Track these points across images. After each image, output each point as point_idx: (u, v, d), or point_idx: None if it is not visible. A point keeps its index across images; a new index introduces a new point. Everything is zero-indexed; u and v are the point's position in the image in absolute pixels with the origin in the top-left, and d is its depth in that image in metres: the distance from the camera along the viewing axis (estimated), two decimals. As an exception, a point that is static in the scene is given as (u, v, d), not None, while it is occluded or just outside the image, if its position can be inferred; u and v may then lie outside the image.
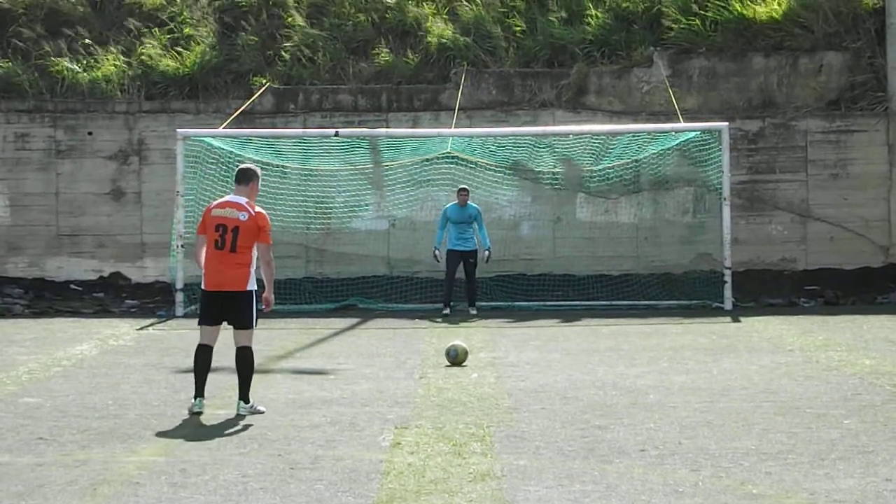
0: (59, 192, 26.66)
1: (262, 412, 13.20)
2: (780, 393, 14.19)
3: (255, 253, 13.31)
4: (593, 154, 25.89)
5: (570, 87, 26.62)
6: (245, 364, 13.30)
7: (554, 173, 26.40)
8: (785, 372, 15.88)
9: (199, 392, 13.24)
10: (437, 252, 23.89)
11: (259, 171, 13.82)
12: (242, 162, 24.96)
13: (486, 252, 23.89)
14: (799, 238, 26.38)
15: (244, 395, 13.26)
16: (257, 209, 13.35)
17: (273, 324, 22.21)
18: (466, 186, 24.27)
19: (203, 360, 13.31)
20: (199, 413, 13.10)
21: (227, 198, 13.56)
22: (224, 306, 13.28)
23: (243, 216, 13.22)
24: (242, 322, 13.32)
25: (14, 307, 24.98)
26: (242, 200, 13.37)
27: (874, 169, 26.27)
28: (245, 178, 13.53)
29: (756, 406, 13.31)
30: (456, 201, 23.91)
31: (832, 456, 10.72)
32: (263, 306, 13.35)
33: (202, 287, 13.42)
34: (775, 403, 13.46)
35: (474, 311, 23.83)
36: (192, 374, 13.34)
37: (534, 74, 26.83)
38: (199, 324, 13.56)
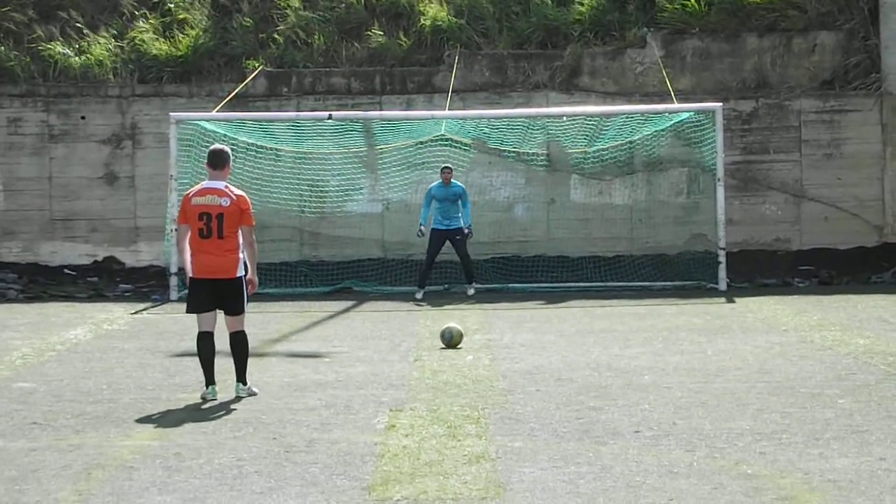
0: (52, 177, 26.62)
1: (256, 394, 13.22)
2: (775, 373, 14.21)
3: (240, 237, 13.24)
4: (587, 136, 25.87)
5: (564, 69, 26.58)
6: (240, 347, 13.33)
7: (548, 155, 26.38)
8: (779, 352, 15.90)
9: (210, 380, 13.21)
10: (421, 228, 23.89)
11: (230, 151, 13.71)
12: (236, 145, 25.09)
13: (466, 230, 23.86)
14: (793, 218, 26.38)
15: (241, 378, 13.30)
16: (237, 192, 13.28)
17: (268, 307, 22.21)
18: (450, 166, 24.24)
19: (207, 348, 13.26)
20: (213, 400, 13.05)
21: (204, 184, 13.37)
22: (215, 293, 13.21)
23: (225, 202, 13.10)
24: (235, 309, 13.34)
25: (8, 292, 24.94)
26: (221, 185, 13.27)
27: (868, 148, 26.25)
28: (220, 161, 13.42)
29: (750, 386, 13.32)
30: (440, 180, 23.95)
31: (826, 435, 10.73)
32: (248, 289, 13.35)
33: (190, 275, 13.26)
34: (770, 383, 13.47)
35: (472, 291, 23.84)
36: (200, 364, 13.30)
37: (527, 56, 26.79)
38: (192, 312, 13.46)
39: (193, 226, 13.10)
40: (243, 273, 13.29)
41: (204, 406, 12.71)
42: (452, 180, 23.90)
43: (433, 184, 24.11)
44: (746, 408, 12.08)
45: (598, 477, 9.43)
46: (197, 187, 13.47)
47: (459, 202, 23.88)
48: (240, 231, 13.19)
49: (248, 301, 13.46)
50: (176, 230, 13.66)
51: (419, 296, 23.66)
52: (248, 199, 13.36)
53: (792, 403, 12.26)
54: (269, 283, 24.62)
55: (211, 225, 13.03)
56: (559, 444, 10.63)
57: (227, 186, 13.28)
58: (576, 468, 9.74)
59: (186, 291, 13.71)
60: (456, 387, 13.61)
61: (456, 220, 23.83)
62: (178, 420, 11.97)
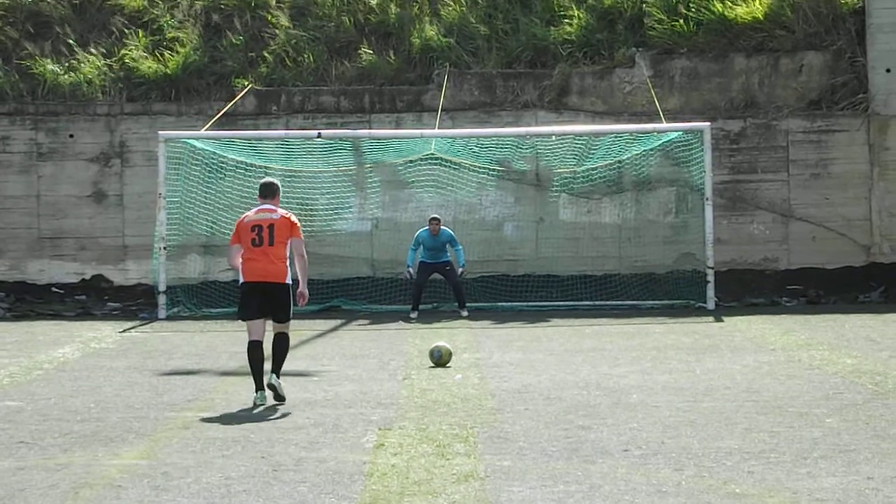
0: (40, 195, 26.60)
1: (284, 400, 13.94)
2: (763, 392, 14.22)
3: (289, 249, 14.13)
4: (576, 155, 25.91)
5: (553, 88, 26.64)
6: (282, 346, 14.17)
7: (537, 174, 26.41)
8: (767, 371, 15.91)
9: (260, 386, 13.93)
10: (409, 270, 24.01)
11: (279, 183, 14.75)
12: (225, 164, 25.14)
13: (461, 269, 24.02)
14: (781, 237, 26.43)
15: (277, 371, 13.98)
16: (288, 213, 14.37)
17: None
18: (438, 216, 24.27)
19: (257, 356, 14.00)
20: (263, 405, 13.66)
21: (255, 209, 14.38)
22: (265, 298, 14.06)
23: (275, 216, 14.16)
24: (283, 316, 14.22)
25: (-4, 310, 24.96)
26: (271, 206, 14.31)
27: (855, 168, 26.32)
28: (270, 191, 14.44)
29: (739, 405, 13.33)
30: (428, 227, 24.02)
31: (814, 455, 10.74)
32: (299, 301, 14.20)
33: (242, 280, 14.13)
34: (758, 403, 13.48)
35: (465, 314, 23.88)
36: (250, 371, 14.01)
37: (516, 75, 26.85)
38: (243, 319, 14.27)
39: (246, 238, 14.07)
40: (290, 282, 14.14)
41: (192, 425, 12.68)
42: (442, 227, 24.00)
43: (422, 230, 24.17)
44: (735, 427, 12.08)
45: (586, 496, 9.43)
46: (249, 212, 14.47)
47: (448, 246, 24.02)
48: (290, 243, 14.15)
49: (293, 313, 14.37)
50: (228, 249, 14.68)
51: (413, 315, 23.75)
52: (299, 225, 14.42)
53: (780, 422, 12.26)
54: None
55: (262, 234, 14.04)
56: (548, 462, 10.63)
57: (276, 207, 14.35)
58: (564, 487, 9.73)
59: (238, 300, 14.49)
60: (445, 405, 13.61)
61: (444, 256, 24.01)
62: (166, 439, 11.95)
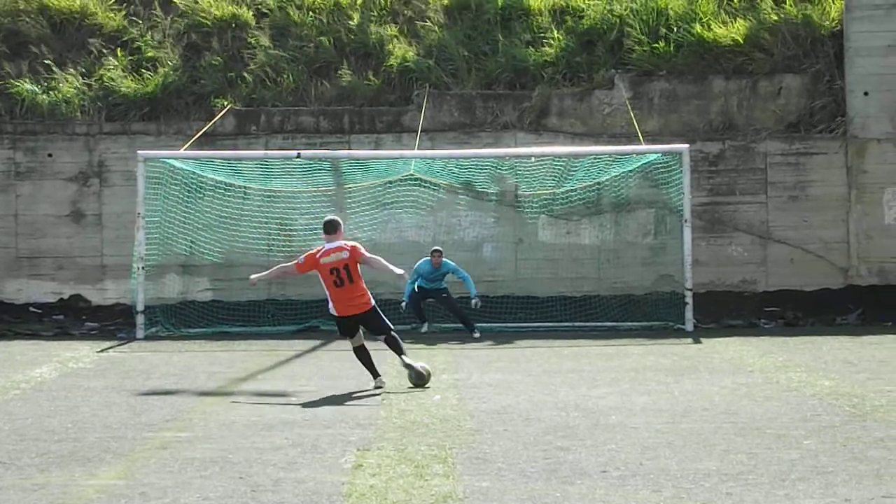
0: (18, 214, 26.53)
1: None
2: (741, 414, 14.23)
3: (363, 278, 16.83)
4: (555, 176, 25.95)
5: (532, 110, 26.70)
6: (395, 342, 16.99)
7: (516, 195, 26.45)
8: (745, 393, 15.93)
9: (376, 373, 16.87)
10: (404, 304, 24.02)
11: (340, 220, 17.34)
12: (204, 183, 25.14)
13: (475, 300, 24.10)
14: (759, 259, 26.49)
15: (402, 352, 16.96)
16: (351, 243, 16.94)
17: (235, 346, 22.19)
18: (440, 248, 24.38)
19: (365, 355, 16.94)
20: (382, 386, 16.59)
21: (325, 247, 16.78)
22: (359, 323, 16.90)
23: (345, 255, 16.62)
24: (379, 330, 17.04)
25: (-27, 330, 24.87)
26: (337, 244, 16.77)
27: (833, 191, 26.42)
28: (332, 228, 16.90)
29: (717, 427, 13.34)
30: (429, 257, 24.12)
31: (792, 476, 10.75)
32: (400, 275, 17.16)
33: (336, 314, 16.81)
34: (736, 424, 13.49)
35: (477, 335, 23.93)
36: (365, 367, 16.88)
37: (496, 96, 26.90)
38: (347, 337, 17.06)
39: (327, 278, 16.60)
40: (374, 303, 16.93)
41: (170, 445, 12.64)
42: (444, 259, 24.11)
43: (422, 261, 24.22)
44: (713, 448, 12.09)
45: (565, 517, 9.42)
46: (321, 249, 16.82)
47: (447, 276, 24.12)
48: (360, 266, 16.76)
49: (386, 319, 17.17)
50: (286, 263, 17.83)
51: (423, 329, 23.87)
52: (359, 244, 17.26)
53: (758, 444, 12.28)
54: (235, 322, 24.59)
55: (342, 276, 16.55)
56: (526, 483, 10.62)
57: (342, 243, 16.83)
58: (543, 508, 9.72)
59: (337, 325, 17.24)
60: (423, 426, 13.59)
61: (442, 283, 24.11)
62: (143, 459, 11.90)
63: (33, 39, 28.08)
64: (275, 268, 18.05)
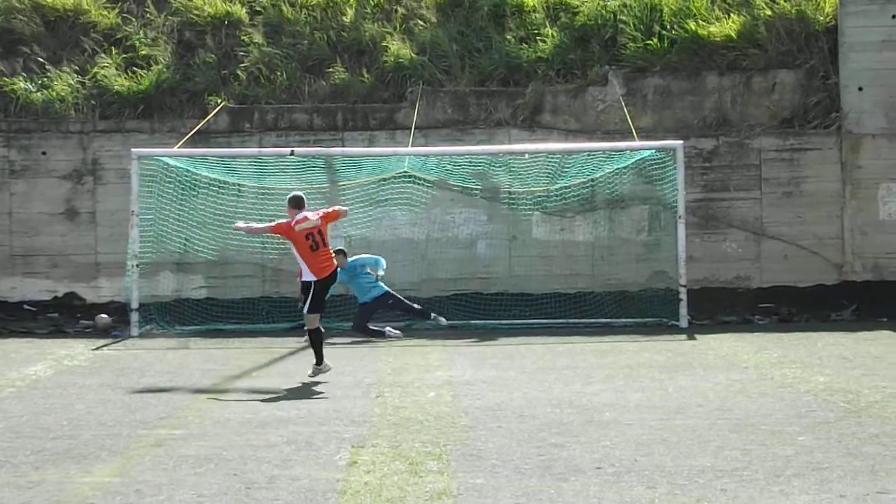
0: (12, 212, 26.50)
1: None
2: (735, 410, 14.25)
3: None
4: (549, 173, 25.95)
5: (526, 106, 26.69)
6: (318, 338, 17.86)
7: (510, 192, 26.44)
8: (740, 389, 15.95)
9: (321, 359, 17.76)
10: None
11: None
12: (198, 181, 25.15)
13: (379, 273, 23.63)
14: (753, 256, 26.50)
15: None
16: (316, 212, 18.20)
17: (229, 343, 22.19)
18: (342, 247, 23.66)
19: (320, 336, 17.84)
20: (327, 371, 17.61)
21: (301, 215, 17.79)
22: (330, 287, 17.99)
23: (317, 219, 17.85)
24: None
25: (-33, 328, 24.86)
26: (304, 213, 17.85)
27: (828, 187, 26.42)
28: (302, 203, 18.06)
29: (711, 423, 13.36)
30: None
31: (787, 472, 10.77)
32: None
33: (316, 278, 17.61)
34: (730, 421, 13.51)
35: (443, 320, 23.78)
36: (319, 348, 17.74)
37: (489, 93, 26.89)
38: (318, 312, 17.82)
39: (303, 245, 17.56)
40: None
41: (165, 443, 12.64)
42: (352, 258, 23.52)
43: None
44: (707, 445, 12.11)
45: (559, 514, 9.44)
46: (296, 217, 17.75)
47: (367, 271, 23.56)
48: (329, 226, 18.31)
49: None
50: (269, 226, 18.33)
51: (392, 333, 23.54)
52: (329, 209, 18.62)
53: (752, 440, 12.29)
54: (230, 320, 24.58)
55: (316, 239, 17.66)
56: (521, 480, 10.63)
57: (309, 212, 18.00)
58: (538, 505, 9.74)
59: (311, 295, 17.75)
60: (418, 423, 13.60)
61: (377, 288, 23.59)
62: (138, 456, 11.91)
63: (27, 37, 28.04)
64: (260, 226, 19.07)
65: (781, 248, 26.39)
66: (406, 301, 23.84)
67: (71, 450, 12.29)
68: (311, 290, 17.72)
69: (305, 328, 18.45)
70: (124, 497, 10.17)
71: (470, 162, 25.94)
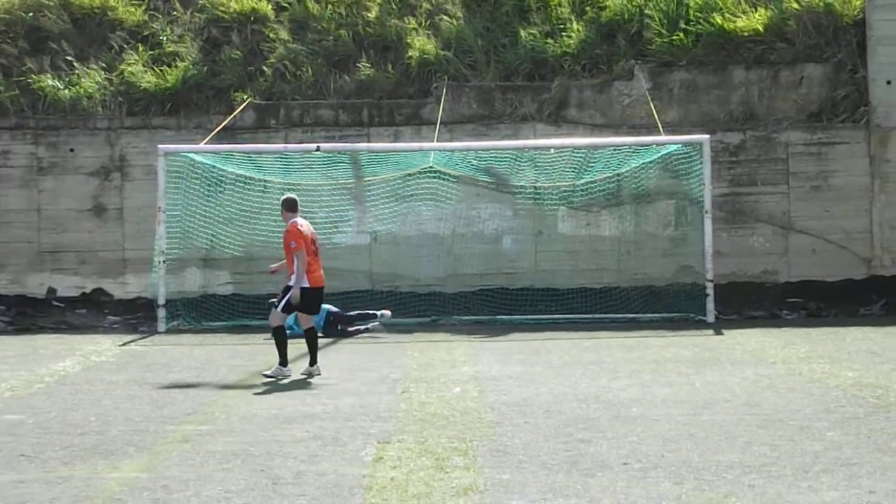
0: (40, 209, 26.60)
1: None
2: (763, 405, 14.21)
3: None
4: (575, 168, 25.91)
5: (552, 101, 26.65)
6: (314, 338, 17.84)
7: (535, 187, 26.41)
8: (768, 384, 15.90)
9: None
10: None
11: None
12: (224, 177, 25.19)
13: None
14: (781, 250, 26.41)
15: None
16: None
17: (255, 339, 22.23)
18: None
19: (315, 337, 17.87)
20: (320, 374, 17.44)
21: (298, 221, 17.71)
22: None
23: (313, 228, 18.18)
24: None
25: (-4, 324, 24.97)
26: (300, 219, 17.85)
27: (856, 181, 26.31)
28: (297, 205, 17.92)
29: (739, 419, 13.32)
30: None
31: (815, 468, 10.73)
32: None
33: (310, 286, 17.45)
34: (758, 416, 13.47)
35: (387, 312, 23.96)
36: (314, 349, 17.65)
37: (514, 88, 26.85)
38: (310, 313, 17.81)
39: (309, 248, 17.52)
40: None
41: (192, 439, 12.67)
42: None
43: None
44: (735, 440, 12.07)
45: (586, 509, 9.42)
46: (299, 222, 17.68)
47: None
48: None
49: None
50: (298, 253, 17.55)
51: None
52: None
53: (781, 436, 12.25)
54: (256, 316, 24.61)
55: (315, 246, 17.84)
56: (547, 476, 10.62)
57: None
58: (564, 500, 9.72)
59: (298, 300, 17.46)
60: (444, 419, 13.60)
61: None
62: (166, 452, 11.94)
63: (55, 35, 28.13)
64: (297, 268, 17.44)
65: (809, 242, 26.29)
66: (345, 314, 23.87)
67: (99, 445, 12.33)
68: (299, 295, 17.36)
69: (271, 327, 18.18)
70: (152, 492, 10.19)
71: (495, 157, 25.91)
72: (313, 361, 17.57)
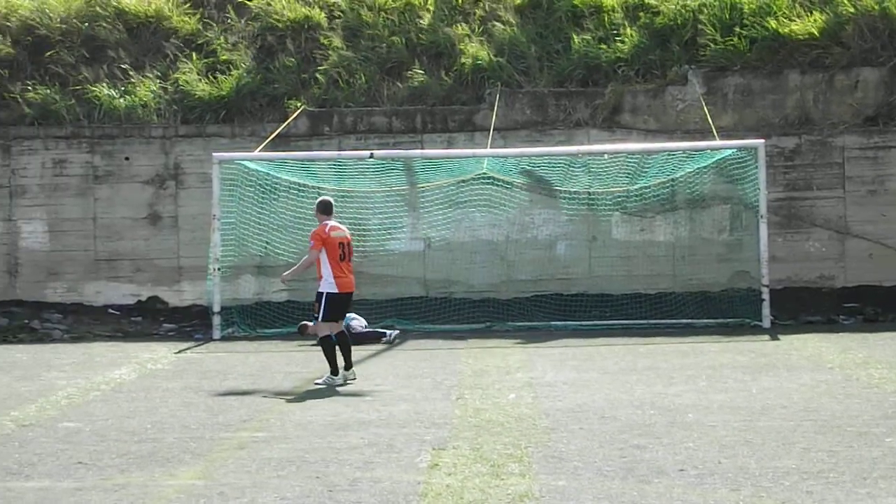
0: (96, 217, 26.79)
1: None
2: (821, 411, 14.11)
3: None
4: (629, 173, 25.85)
5: (605, 107, 26.59)
6: (347, 342, 17.67)
7: (589, 193, 26.36)
8: (825, 390, 15.79)
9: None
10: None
11: None
12: (278, 184, 25.26)
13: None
14: (837, 255, 26.24)
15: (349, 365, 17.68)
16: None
17: (310, 346, 22.25)
18: None
19: (347, 341, 17.68)
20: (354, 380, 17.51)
21: (332, 223, 17.66)
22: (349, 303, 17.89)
23: (348, 233, 17.91)
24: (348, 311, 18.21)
25: (53, 332, 25.11)
26: (335, 222, 17.83)
27: (912, 185, 26.15)
28: (332, 208, 17.91)
29: (796, 424, 13.23)
30: None
31: (874, 475, 10.65)
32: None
33: (336, 291, 17.27)
34: (815, 422, 13.38)
35: (394, 331, 23.52)
36: (341, 355, 17.45)
37: (568, 94, 26.81)
38: (332, 320, 17.41)
39: (334, 252, 17.34)
40: None
41: (248, 446, 12.71)
42: None
43: None
44: (792, 446, 12.00)
45: (642, 516, 9.38)
46: (329, 224, 17.57)
47: None
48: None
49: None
50: (311, 251, 17.49)
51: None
52: None
53: (839, 442, 12.17)
54: (312, 321, 24.65)
55: (345, 251, 17.51)
56: (603, 482, 10.58)
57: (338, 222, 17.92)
58: (620, 507, 9.69)
59: (324, 305, 17.38)
60: (499, 425, 13.58)
61: None
62: (221, 459, 11.98)
63: (110, 44, 28.34)
64: (299, 263, 18.04)
65: (866, 246, 26.11)
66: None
67: (155, 453, 12.39)
68: (325, 301, 17.36)
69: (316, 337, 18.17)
70: (208, 499, 10.23)
71: (549, 163, 25.89)
72: (348, 366, 17.63)
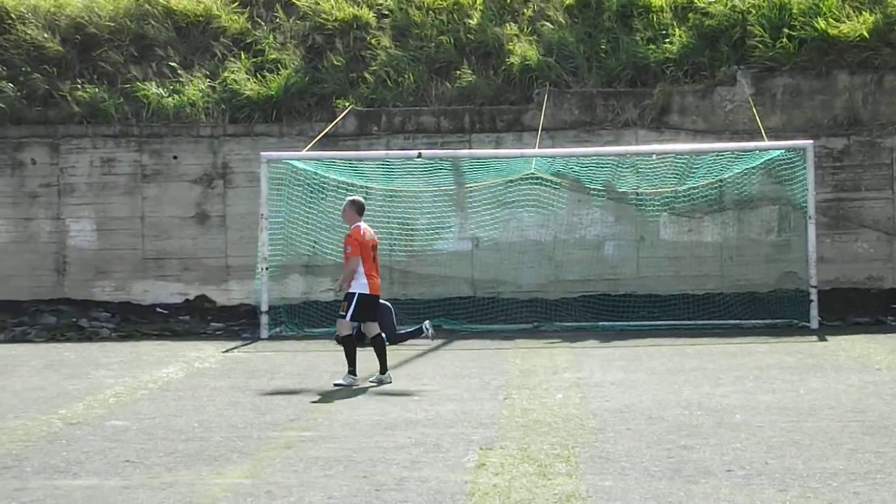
0: (144, 216, 26.94)
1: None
2: (869, 412, 14.04)
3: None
4: (677, 173, 25.78)
5: (654, 107, 26.53)
6: (382, 346, 17.56)
7: (637, 193, 26.31)
8: (873, 391, 15.71)
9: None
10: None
11: None
12: (326, 184, 25.33)
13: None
14: (886, 256, 26.10)
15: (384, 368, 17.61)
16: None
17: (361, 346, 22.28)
18: None
19: (382, 344, 17.61)
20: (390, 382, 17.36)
21: (364, 225, 17.59)
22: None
23: (376, 236, 17.87)
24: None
25: (101, 331, 25.26)
26: (366, 224, 17.75)
27: (962, 186, 25.97)
28: (364, 208, 17.89)
29: (844, 426, 13.17)
30: None
31: (922, 477, 10.59)
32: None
33: (367, 292, 17.26)
34: (863, 423, 13.31)
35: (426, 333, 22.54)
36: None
37: (616, 94, 26.76)
38: (369, 321, 17.48)
39: (369, 254, 17.35)
40: None
41: (295, 445, 12.75)
42: None
43: None
44: (840, 447, 11.94)
45: (689, 517, 9.36)
46: (362, 227, 17.51)
47: None
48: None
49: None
50: (351, 258, 17.34)
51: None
52: None
53: (886, 443, 12.10)
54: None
55: (375, 254, 17.53)
56: (650, 483, 10.57)
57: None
58: (667, 508, 9.67)
59: (354, 305, 17.26)
60: (546, 425, 13.58)
61: None
62: (269, 458, 12.02)
63: (159, 43, 28.49)
64: (345, 272, 17.43)
65: (915, 248, 25.97)
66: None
67: (202, 451, 12.44)
68: (355, 302, 17.22)
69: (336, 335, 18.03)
70: (255, 498, 10.27)
71: (597, 163, 25.86)
72: (384, 369, 17.52)
